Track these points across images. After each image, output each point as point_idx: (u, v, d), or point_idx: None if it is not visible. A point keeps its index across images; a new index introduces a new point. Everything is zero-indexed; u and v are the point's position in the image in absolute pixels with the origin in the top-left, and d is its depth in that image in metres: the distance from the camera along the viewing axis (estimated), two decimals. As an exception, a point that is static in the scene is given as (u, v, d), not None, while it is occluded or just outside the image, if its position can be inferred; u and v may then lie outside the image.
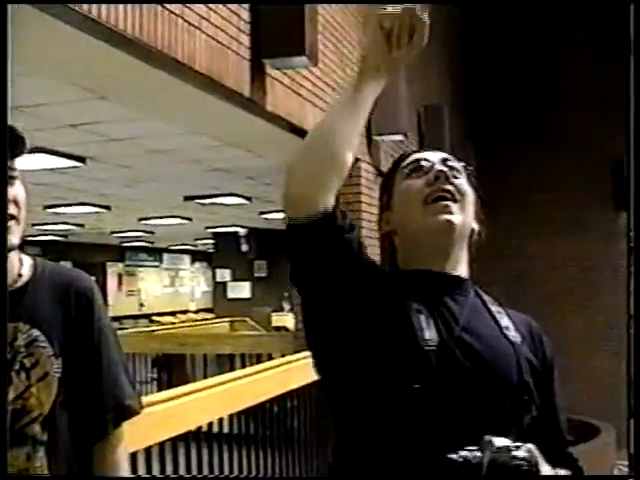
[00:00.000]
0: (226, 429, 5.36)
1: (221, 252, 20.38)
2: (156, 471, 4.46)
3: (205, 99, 5.20)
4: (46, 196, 12.17)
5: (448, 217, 1.91)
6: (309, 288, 1.91)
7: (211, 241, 21.17)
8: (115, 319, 23.96)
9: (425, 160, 2.01)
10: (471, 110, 12.65)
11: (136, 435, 3.76)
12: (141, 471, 4.24)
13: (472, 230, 2.01)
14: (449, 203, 1.93)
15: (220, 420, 5.12)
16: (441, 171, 1.96)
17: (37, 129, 7.19)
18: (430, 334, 1.81)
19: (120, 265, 26.77)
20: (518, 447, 1.64)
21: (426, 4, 1.99)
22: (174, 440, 4.46)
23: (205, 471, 5.12)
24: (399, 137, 7.91)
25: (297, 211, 1.84)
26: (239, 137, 7.06)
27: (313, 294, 1.91)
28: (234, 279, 19.85)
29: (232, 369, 8.67)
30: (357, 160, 7.70)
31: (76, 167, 9.20)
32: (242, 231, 19.02)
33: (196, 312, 27.97)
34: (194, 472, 4.95)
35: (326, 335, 1.90)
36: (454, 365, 1.80)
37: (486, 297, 2.02)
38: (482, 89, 12.92)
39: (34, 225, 17.06)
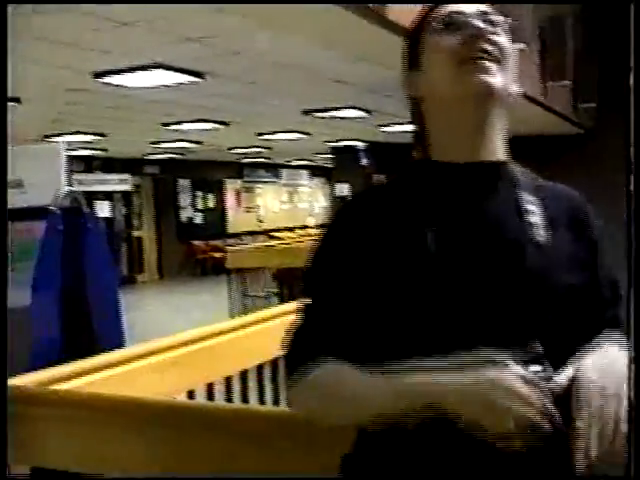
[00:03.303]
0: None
1: (340, 167, 20.26)
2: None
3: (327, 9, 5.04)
4: (164, 113, 12.27)
5: (487, 78, 1.62)
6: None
7: (330, 156, 21.08)
8: (234, 235, 24.31)
9: (459, 14, 1.69)
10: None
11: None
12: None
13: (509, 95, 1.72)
14: (489, 63, 1.63)
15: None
16: (479, 28, 1.65)
17: (154, 44, 7.16)
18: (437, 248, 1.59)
19: (238, 182, 26.99)
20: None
21: None
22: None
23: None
24: (521, 46, 7.67)
25: None
26: (360, 48, 6.88)
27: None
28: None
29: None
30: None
31: (194, 83, 9.17)
32: (361, 145, 18.84)
33: (315, 227, 28.11)
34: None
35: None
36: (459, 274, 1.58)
37: (523, 182, 1.72)
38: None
39: (152, 143, 17.29)
